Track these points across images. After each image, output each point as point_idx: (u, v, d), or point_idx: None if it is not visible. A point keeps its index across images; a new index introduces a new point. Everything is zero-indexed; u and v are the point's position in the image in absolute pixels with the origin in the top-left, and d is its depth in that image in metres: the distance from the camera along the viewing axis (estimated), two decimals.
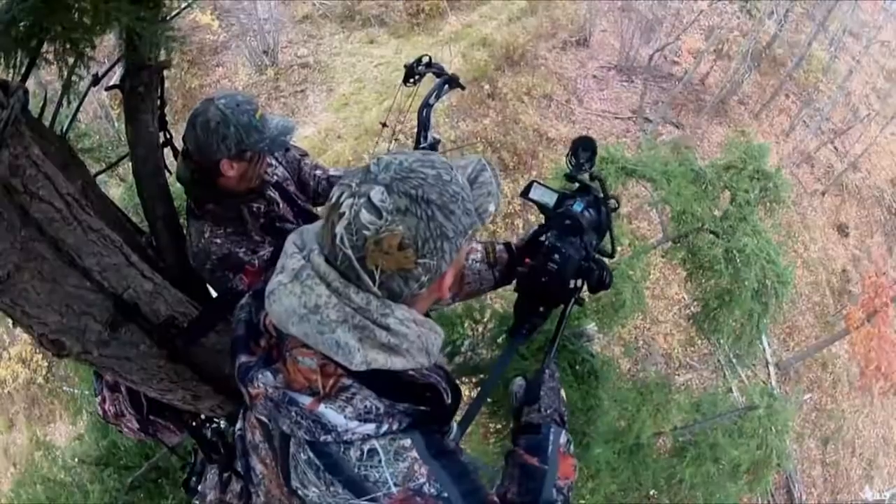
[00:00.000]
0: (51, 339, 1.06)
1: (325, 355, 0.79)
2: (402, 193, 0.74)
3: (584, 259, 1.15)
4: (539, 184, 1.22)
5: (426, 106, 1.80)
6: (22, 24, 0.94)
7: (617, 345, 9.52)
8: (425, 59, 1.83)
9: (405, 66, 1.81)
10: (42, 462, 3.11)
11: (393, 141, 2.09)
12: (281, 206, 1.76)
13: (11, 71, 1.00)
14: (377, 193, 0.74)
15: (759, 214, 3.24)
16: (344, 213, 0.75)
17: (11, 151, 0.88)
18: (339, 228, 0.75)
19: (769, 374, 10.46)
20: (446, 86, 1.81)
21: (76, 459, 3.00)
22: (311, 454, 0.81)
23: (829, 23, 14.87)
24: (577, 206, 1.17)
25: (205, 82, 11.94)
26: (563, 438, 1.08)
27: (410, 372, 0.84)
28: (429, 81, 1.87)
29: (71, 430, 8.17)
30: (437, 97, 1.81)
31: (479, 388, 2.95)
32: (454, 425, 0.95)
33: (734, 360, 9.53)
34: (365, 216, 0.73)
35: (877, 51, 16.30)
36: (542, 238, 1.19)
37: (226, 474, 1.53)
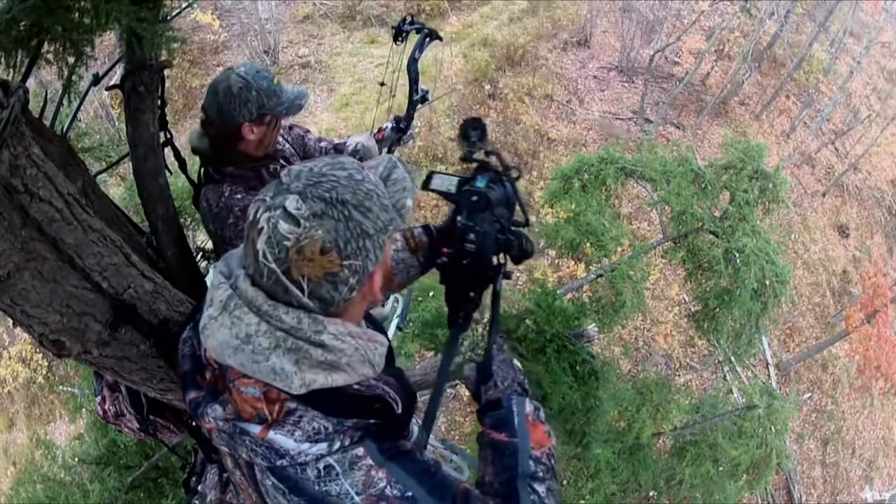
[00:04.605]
0: (51, 338, 1.06)
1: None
2: (316, 198, 0.74)
3: (500, 232, 1.13)
4: (438, 173, 1.21)
5: (413, 61, 1.99)
6: (22, 23, 0.94)
7: (617, 345, 9.51)
8: (408, 19, 2.05)
9: (392, 28, 2.05)
10: (42, 461, 3.12)
11: (392, 97, 2.32)
12: None
13: (11, 71, 1.00)
14: (292, 202, 0.74)
15: (758, 214, 3.25)
16: (262, 228, 0.75)
17: (12, 151, 0.88)
18: (261, 244, 0.75)
19: (769, 375, 10.46)
20: (427, 39, 2.04)
21: (76, 459, 3.00)
22: (274, 479, 0.81)
23: (830, 24, 14.87)
24: (480, 183, 1.16)
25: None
26: (528, 407, 1.04)
27: (355, 386, 0.82)
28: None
29: (71, 429, 8.19)
30: (421, 51, 2.03)
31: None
32: (414, 430, 0.94)
33: (734, 361, 9.52)
34: (283, 227, 0.73)
35: (877, 52, 16.29)
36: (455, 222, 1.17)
37: (226, 474, 1.53)
